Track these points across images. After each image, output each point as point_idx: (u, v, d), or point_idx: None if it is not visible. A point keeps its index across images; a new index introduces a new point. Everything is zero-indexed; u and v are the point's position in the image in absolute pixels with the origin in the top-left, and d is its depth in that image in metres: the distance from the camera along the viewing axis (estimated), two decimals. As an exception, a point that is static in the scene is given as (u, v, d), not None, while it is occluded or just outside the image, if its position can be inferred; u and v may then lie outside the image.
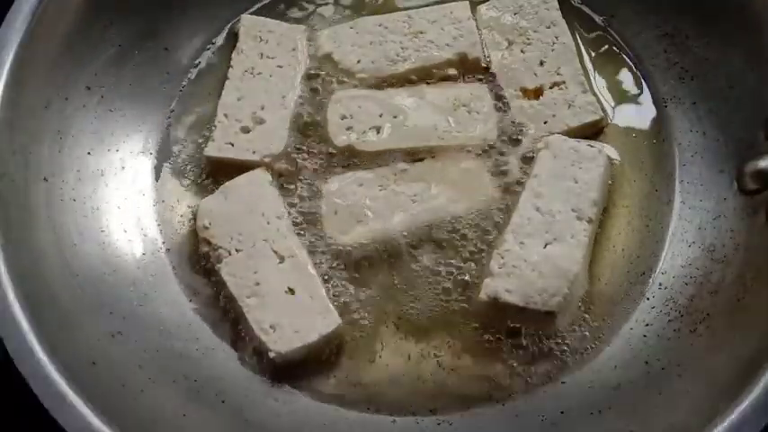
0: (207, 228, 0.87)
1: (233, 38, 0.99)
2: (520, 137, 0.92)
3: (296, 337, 0.82)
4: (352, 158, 0.92)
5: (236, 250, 0.86)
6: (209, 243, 0.87)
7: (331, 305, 0.84)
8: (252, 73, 0.95)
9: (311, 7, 1.01)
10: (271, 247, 0.86)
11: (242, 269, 0.85)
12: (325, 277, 0.87)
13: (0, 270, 0.72)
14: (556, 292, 0.82)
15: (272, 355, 0.82)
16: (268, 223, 0.87)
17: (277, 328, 0.82)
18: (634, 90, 0.96)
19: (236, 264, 0.85)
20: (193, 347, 0.86)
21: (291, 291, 0.84)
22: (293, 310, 0.83)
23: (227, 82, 0.95)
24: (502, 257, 0.84)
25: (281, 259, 0.86)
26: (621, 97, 0.96)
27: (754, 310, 0.77)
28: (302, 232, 0.89)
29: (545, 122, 0.92)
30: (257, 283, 0.84)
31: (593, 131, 0.93)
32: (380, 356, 0.85)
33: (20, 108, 0.80)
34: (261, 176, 0.90)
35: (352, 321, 0.86)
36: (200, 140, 0.94)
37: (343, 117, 0.93)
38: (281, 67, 0.96)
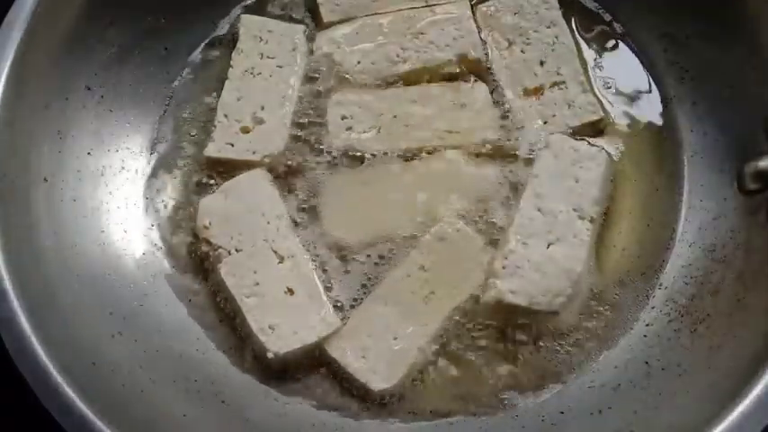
0: (207, 228, 0.87)
1: (233, 38, 0.99)
2: (520, 137, 0.92)
3: (295, 338, 0.82)
4: (351, 158, 0.92)
5: (236, 250, 0.86)
6: (209, 243, 0.87)
7: (330, 306, 0.84)
8: (252, 73, 0.95)
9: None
10: (271, 247, 0.86)
11: (242, 269, 0.85)
12: (325, 278, 0.87)
13: (0, 270, 0.72)
14: (559, 292, 0.83)
15: (270, 355, 0.82)
16: (268, 223, 0.87)
17: (276, 329, 0.82)
18: (634, 90, 0.96)
19: (236, 264, 0.85)
20: (193, 348, 0.86)
21: (291, 291, 0.84)
22: (292, 311, 0.83)
23: (227, 82, 0.95)
24: (505, 258, 0.84)
25: (281, 259, 0.86)
26: (622, 97, 0.96)
27: (754, 310, 0.77)
28: (302, 232, 0.89)
29: (545, 122, 0.93)
30: (257, 284, 0.84)
31: (593, 131, 0.93)
32: (381, 356, 0.85)
33: (20, 108, 0.80)
34: (261, 176, 0.90)
35: (353, 322, 0.86)
36: (200, 140, 0.94)
37: (343, 117, 0.93)
38: (281, 67, 0.96)
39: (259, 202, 0.88)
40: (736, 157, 0.87)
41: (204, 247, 0.88)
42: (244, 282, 0.85)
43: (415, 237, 0.88)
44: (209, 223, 0.88)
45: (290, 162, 0.92)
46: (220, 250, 0.86)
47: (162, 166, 0.94)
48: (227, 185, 0.90)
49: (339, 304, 0.86)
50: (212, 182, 0.92)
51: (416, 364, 0.83)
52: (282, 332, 0.82)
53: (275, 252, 0.86)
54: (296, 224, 0.89)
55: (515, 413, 0.83)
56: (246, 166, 0.91)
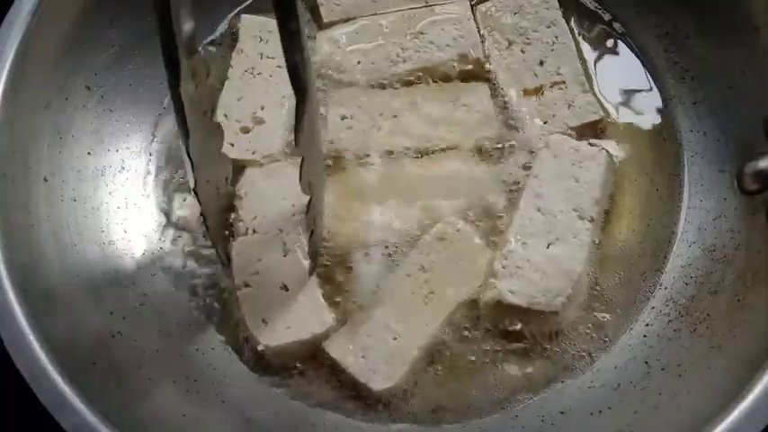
0: (241, 198, 0.88)
1: (233, 38, 0.99)
2: (520, 137, 0.92)
3: (287, 333, 0.82)
4: (351, 158, 0.92)
5: (253, 231, 0.86)
6: (237, 211, 0.87)
7: (325, 305, 0.84)
8: (252, 73, 0.95)
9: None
10: (282, 238, 0.86)
11: (249, 253, 0.85)
12: (325, 278, 0.86)
13: (0, 270, 0.72)
14: (559, 292, 0.83)
15: (260, 348, 0.82)
16: (293, 215, 0.87)
17: (269, 322, 0.82)
18: (634, 90, 0.96)
19: (246, 246, 0.85)
20: (193, 347, 0.86)
21: (285, 287, 0.84)
22: (287, 306, 0.83)
23: (227, 82, 0.95)
24: (505, 258, 0.84)
25: (286, 253, 0.85)
26: (622, 97, 0.96)
27: (754, 310, 0.77)
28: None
29: (545, 122, 0.93)
30: (256, 272, 0.84)
31: (593, 131, 0.93)
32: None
33: (20, 108, 0.80)
34: None
35: (351, 321, 0.86)
36: (200, 140, 0.95)
37: (343, 117, 0.93)
38: (281, 67, 0.96)
39: (295, 194, 0.88)
40: (736, 157, 0.87)
41: (232, 214, 0.88)
42: (246, 268, 0.84)
43: (415, 237, 0.88)
44: (245, 193, 0.88)
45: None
46: (241, 223, 0.87)
47: (162, 165, 0.94)
48: (272, 167, 0.90)
49: (339, 304, 0.86)
50: (212, 182, 0.92)
51: (417, 363, 0.83)
52: (275, 326, 0.82)
53: (284, 244, 0.86)
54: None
55: (515, 413, 0.83)
56: (246, 166, 0.91)
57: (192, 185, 0.74)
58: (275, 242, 0.86)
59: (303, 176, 0.71)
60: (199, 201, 0.76)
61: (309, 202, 0.75)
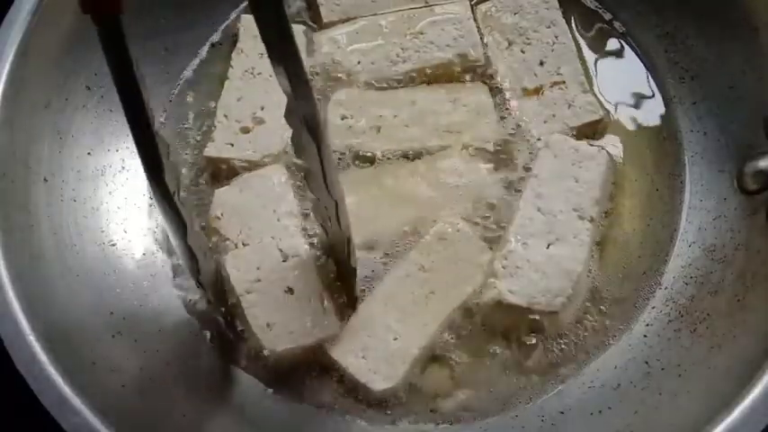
0: (218, 218, 0.88)
1: (233, 38, 0.99)
2: (520, 137, 0.92)
3: (292, 338, 0.82)
4: (351, 159, 0.92)
5: (243, 244, 0.86)
6: (218, 233, 0.87)
7: (331, 309, 0.83)
8: (252, 73, 0.95)
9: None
10: (277, 245, 0.86)
11: (245, 263, 0.85)
12: (325, 278, 0.86)
13: (0, 270, 0.72)
14: (559, 292, 0.83)
15: (266, 352, 0.82)
16: (278, 220, 0.87)
17: (274, 327, 0.82)
18: (634, 90, 0.96)
19: (241, 257, 0.85)
20: (193, 347, 0.86)
21: (291, 291, 0.84)
22: (292, 311, 0.83)
23: (227, 82, 0.95)
24: (505, 258, 0.84)
25: (286, 258, 0.85)
26: (622, 97, 0.96)
27: (755, 310, 0.77)
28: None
29: (545, 122, 0.92)
30: (258, 280, 0.84)
31: (593, 131, 0.93)
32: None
33: (20, 108, 0.80)
34: (277, 173, 0.90)
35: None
36: (200, 141, 0.94)
37: (343, 117, 0.93)
38: (281, 67, 0.96)
39: (273, 199, 0.88)
40: (736, 157, 0.87)
41: (213, 237, 0.88)
42: (246, 276, 0.84)
43: (416, 237, 0.88)
44: (221, 214, 0.88)
45: (289, 163, 0.92)
46: (227, 242, 0.86)
47: (162, 165, 0.94)
48: (243, 178, 0.90)
49: (339, 306, 0.85)
50: (212, 182, 0.92)
51: (417, 364, 0.83)
52: (280, 331, 0.82)
53: (281, 250, 0.86)
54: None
55: (515, 413, 0.83)
56: (246, 166, 0.91)
57: (197, 277, 0.74)
58: (270, 249, 0.86)
59: (327, 179, 0.69)
60: (204, 288, 0.77)
61: (336, 210, 0.72)
